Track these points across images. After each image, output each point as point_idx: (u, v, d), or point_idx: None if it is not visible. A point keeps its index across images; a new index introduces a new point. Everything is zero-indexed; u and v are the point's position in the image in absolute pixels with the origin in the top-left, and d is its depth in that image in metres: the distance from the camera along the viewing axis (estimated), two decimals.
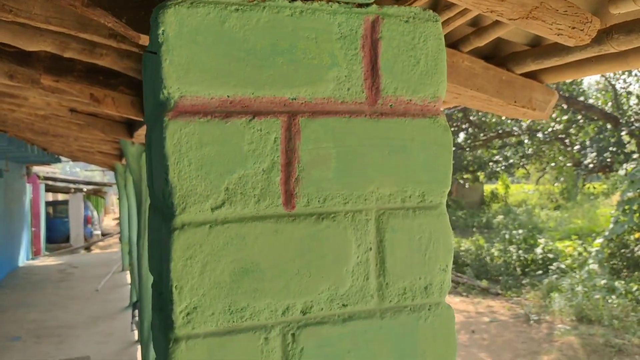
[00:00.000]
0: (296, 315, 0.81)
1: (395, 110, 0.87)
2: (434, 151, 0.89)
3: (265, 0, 0.80)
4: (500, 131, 16.65)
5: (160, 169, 0.78)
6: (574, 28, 1.23)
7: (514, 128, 16.32)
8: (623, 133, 12.92)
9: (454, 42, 1.60)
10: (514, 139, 17.45)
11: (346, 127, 0.84)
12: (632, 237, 10.12)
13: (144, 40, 1.40)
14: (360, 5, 0.85)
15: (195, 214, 0.76)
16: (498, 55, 1.69)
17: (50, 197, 22.74)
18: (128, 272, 10.88)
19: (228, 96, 0.78)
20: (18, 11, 1.70)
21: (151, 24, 0.85)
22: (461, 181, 21.49)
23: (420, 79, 0.88)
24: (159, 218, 0.89)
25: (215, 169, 0.77)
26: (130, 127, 4.25)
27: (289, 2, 0.81)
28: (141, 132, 3.71)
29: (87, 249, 19.58)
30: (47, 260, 15.01)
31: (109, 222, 31.64)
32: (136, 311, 7.24)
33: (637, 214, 10.06)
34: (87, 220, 21.21)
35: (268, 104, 0.80)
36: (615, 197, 16.04)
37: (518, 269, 12.36)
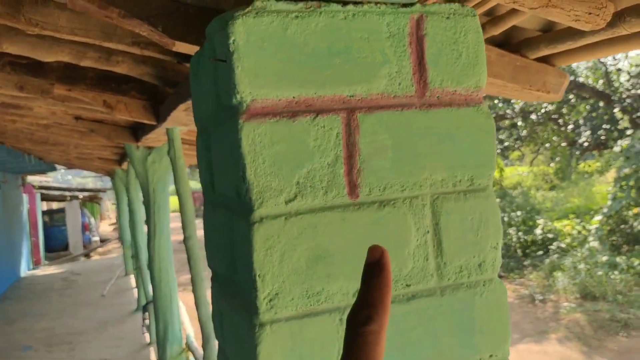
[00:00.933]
0: None
1: (442, 101, 0.94)
2: (479, 137, 0.96)
3: (321, 6, 0.86)
4: (493, 115, 16.76)
5: (235, 168, 0.84)
6: (590, 13, 1.30)
7: (507, 111, 16.44)
8: (615, 110, 13.05)
9: None
10: (507, 122, 17.59)
11: (399, 120, 0.90)
12: (630, 213, 10.26)
13: (178, 47, 1.45)
14: (405, 5, 0.91)
15: (272, 207, 0.83)
16: (511, 42, 1.76)
17: (44, 205, 22.70)
18: (132, 276, 10.93)
19: (293, 97, 0.84)
20: (44, 24, 1.75)
21: (212, 33, 0.91)
22: None
23: (463, 70, 0.95)
24: (226, 214, 0.95)
25: (286, 165, 0.83)
26: (135, 131, 4.29)
27: (342, 6, 0.87)
28: (150, 136, 3.75)
29: (87, 255, 19.59)
30: (48, 270, 15.02)
31: (106, 227, 31.60)
32: (147, 313, 7.30)
33: (634, 190, 10.19)
34: (85, 227, 21.20)
35: (329, 102, 0.86)
36: (610, 174, 16.21)
37: (519, 251, 12.49)
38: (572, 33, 1.53)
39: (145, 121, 3.02)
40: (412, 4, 0.92)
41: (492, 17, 1.59)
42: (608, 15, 1.32)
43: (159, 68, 2.34)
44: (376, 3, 0.89)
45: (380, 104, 0.89)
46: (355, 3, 0.88)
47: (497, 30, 1.58)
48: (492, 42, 1.72)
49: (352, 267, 0.87)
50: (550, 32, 1.63)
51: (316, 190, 0.85)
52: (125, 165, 8.10)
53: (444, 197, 0.93)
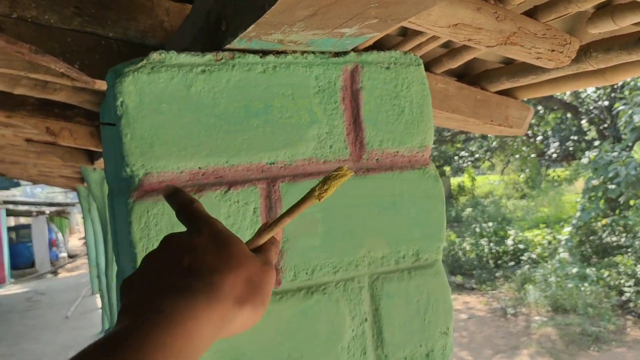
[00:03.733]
0: None
1: (382, 165, 0.80)
2: (426, 204, 0.83)
3: (235, 57, 0.72)
4: None
5: (127, 254, 0.69)
6: (553, 51, 1.19)
7: None
8: (583, 121, 13.20)
9: (425, 64, 1.54)
10: (477, 133, 17.69)
11: None
12: (599, 224, 10.33)
13: (100, 85, 1.30)
14: (337, 55, 0.78)
15: None
16: (470, 74, 1.65)
17: (12, 221, 22.03)
18: (98, 295, 10.59)
19: (200, 168, 0.70)
20: None
21: (107, 91, 0.76)
22: None
23: (406, 128, 0.82)
24: None
25: None
26: (90, 154, 4.09)
27: (260, 57, 0.73)
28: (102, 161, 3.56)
29: (54, 273, 19.02)
30: (12, 289, 14.51)
31: (75, 242, 30.85)
32: None
33: (602, 201, 10.27)
34: (52, 244, 20.59)
35: (244, 172, 0.72)
36: (579, 183, 16.40)
37: (491, 262, 12.47)
38: (535, 67, 1.42)
39: (92, 148, 2.84)
40: (345, 53, 0.78)
41: (449, 50, 1.47)
42: (572, 52, 1.21)
43: (102, 95, 2.18)
44: (302, 53, 0.76)
45: (307, 171, 0.76)
46: (277, 53, 0.75)
47: (455, 64, 1.46)
48: (450, 73, 1.61)
49: None
50: (511, 65, 1.52)
51: None
52: (87, 185, 7.83)
53: (384, 277, 0.80)
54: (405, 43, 1.38)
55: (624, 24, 1.12)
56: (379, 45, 1.41)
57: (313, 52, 0.77)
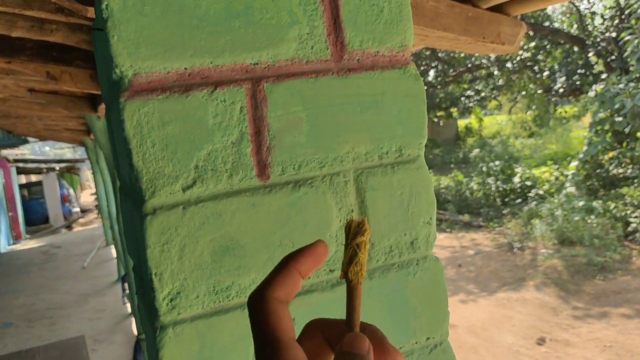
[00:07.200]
0: None
1: (362, 65, 0.83)
2: (407, 103, 0.86)
3: None
4: (469, 65, 16.61)
5: (123, 153, 0.74)
6: None
7: (483, 61, 16.29)
8: (590, 54, 12.97)
9: None
10: (483, 72, 17.46)
11: (314, 88, 0.80)
12: (606, 157, 10.32)
13: (92, 12, 1.32)
14: None
15: (166, 196, 0.73)
16: None
17: (23, 179, 22.33)
18: (112, 246, 10.83)
19: (185, 68, 0.73)
20: None
21: None
22: (435, 119, 21.55)
23: (386, 28, 0.84)
24: (131, 202, 0.85)
25: (181, 148, 0.73)
26: (93, 101, 4.12)
27: None
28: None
29: (68, 227, 19.40)
30: (28, 244, 14.85)
31: (87, 198, 31.27)
32: (126, 284, 7.24)
33: (609, 134, 10.23)
34: (64, 199, 20.92)
35: (229, 72, 0.76)
36: (587, 119, 16.28)
37: (498, 200, 12.57)
38: None
39: (94, 91, 2.86)
40: None
41: None
42: None
43: None
44: None
45: (290, 72, 0.79)
46: None
47: None
48: None
49: (267, 257, 0.78)
50: None
51: (219, 174, 0.75)
52: (93, 135, 7.88)
53: (369, 171, 0.84)
54: None
55: None
56: None
57: None
